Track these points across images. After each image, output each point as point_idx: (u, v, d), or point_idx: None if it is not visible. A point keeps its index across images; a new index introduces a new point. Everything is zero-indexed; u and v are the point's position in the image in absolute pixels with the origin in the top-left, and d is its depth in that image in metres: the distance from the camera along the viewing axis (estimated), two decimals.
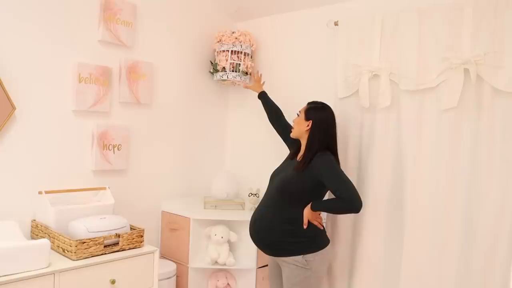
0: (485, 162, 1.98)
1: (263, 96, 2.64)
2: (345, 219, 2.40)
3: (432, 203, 2.11)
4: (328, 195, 2.18)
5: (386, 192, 2.28)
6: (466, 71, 1.99)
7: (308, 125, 2.09)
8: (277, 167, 2.28)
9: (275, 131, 2.54)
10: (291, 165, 2.14)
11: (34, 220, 2.18)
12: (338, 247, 2.44)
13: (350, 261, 2.43)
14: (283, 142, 2.47)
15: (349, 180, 1.98)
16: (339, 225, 2.43)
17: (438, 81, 2.09)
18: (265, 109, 2.61)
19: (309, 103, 2.18)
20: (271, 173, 2.24)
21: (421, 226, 2.14)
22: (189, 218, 2.61)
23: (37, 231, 2.13)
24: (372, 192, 2.32)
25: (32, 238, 2.16)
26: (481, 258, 1.98)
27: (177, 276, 2.61)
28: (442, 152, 2.09)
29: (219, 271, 2.71)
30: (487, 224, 1.96)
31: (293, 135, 2.21)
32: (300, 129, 2.13)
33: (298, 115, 2.18)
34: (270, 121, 2.57)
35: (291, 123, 2.27)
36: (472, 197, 2.01)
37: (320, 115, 2.10)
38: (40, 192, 2.14)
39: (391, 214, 2.27)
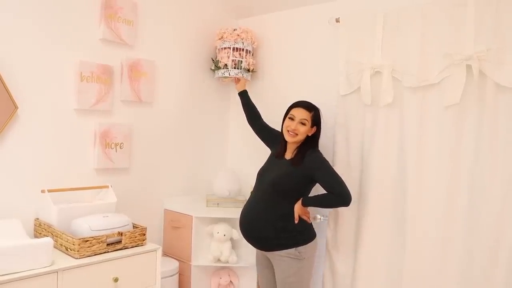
0: (488, 158, 1.97)
1: (244, 95, 2.66)
2: (348, 216, 2.40)
3: (435, 199, 2.11)
4: (313, 191, 2.22)
5: (389, 189, 2.27)
6: (469, 67, 1.98)
7: (313, 131, 2.20)
8: (262, 165, 2.32)
9: (253, 130, 2.58)
10: (280, 163, 2.20)
11: (37, 218, 2.19)
12: (341, 243, 2.44)
13: (353, 258, 2.42)
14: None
15: (339, 176, 2.10)
16: (342, 222, 2.43)
17: (441, 78, 2.08)
18: (245, 108, 2.64)
19: (308, 108, 2.18)
20: (258, 171, 2.29)
21: (424, 222, 2.13)
22: (192, 216, 2.61)
23: (40, 229, 2.14)
24: (374, 189, 2.32)
25: (35, 236, 2.17)
26: (485, 255, 1.97)
27: (179, 274, 2.62)
28: (444, 148, 2.08)
29: (222, 268, 2.72)
30: (490, 220, 1.96)
31: (296, 140, 2.18)
32: (305, 135, 2.18)
33: (292, 119, 2.17)
34: (249, 121, 2.60)
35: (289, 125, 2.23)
36: (475, 193, 2.00)
37: (319, 120, 2.23)
38: (42, 191, 2.14)
39: (394, 210, 2.26)
